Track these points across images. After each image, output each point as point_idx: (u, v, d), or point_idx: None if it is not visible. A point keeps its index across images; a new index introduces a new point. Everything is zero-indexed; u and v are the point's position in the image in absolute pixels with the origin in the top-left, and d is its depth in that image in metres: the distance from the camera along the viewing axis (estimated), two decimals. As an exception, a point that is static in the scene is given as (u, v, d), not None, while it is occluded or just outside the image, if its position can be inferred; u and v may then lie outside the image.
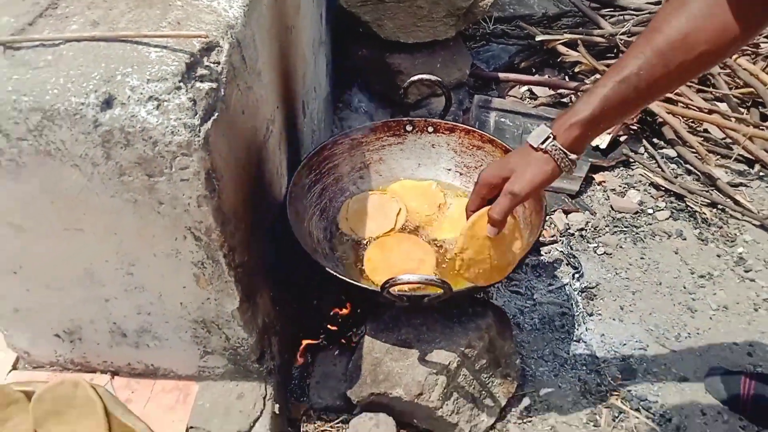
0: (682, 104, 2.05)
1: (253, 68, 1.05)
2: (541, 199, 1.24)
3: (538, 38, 2.31)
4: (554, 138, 0.92)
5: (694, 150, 1.98)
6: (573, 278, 1.65)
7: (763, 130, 1.98)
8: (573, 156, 0.92)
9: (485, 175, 1.00)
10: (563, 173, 0.94)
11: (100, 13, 0.93)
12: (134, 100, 0.82)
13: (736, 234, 1.78)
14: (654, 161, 2.00)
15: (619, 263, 1.70)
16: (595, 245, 1.75)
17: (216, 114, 0.88)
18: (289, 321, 1.36)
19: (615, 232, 1.79)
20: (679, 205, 1.87)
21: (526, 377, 1.41)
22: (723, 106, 2.10)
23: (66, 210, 0.93)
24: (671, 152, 2.03)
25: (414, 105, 2.04)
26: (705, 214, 1.82)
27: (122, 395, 1.16)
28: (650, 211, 1.86)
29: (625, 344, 1.49)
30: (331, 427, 1.30)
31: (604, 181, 1.94)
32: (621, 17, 2.42)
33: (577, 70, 2.28)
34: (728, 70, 2.16)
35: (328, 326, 1.39)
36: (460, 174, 1.52)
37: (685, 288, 1.63)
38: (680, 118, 2.06)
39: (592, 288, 1.63)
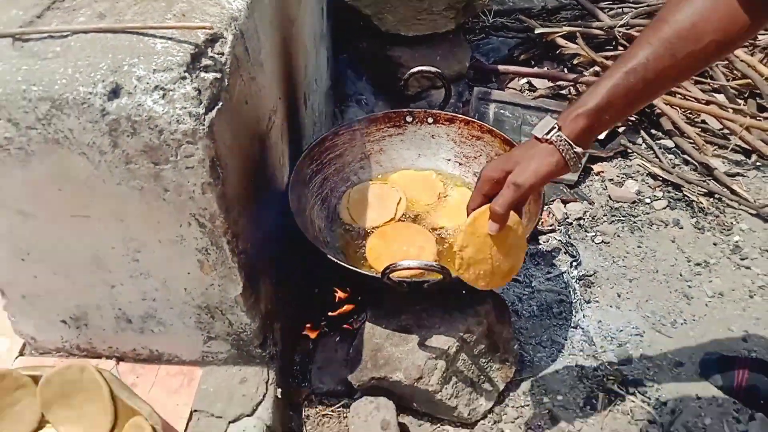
0: (679, 95, 2.07)
1: (256, 59, 1.07)
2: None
3: (537, 31, 2.33)
4: (559, 129, 0.89)
5: (691, 140, 1.99)
6: (571, 266, 1.67)
7: (759, 120, 2.00)
8: (578, 149, 0.89)
9: (487, 170, 0.95)
10: (569, 168, 0.90)
11: (107, 5, 0.95)
12: (141, 89, 0.85)
13: (732, 223, 1.80)
14: (652, 152, 2.02)
15: (616, 251, 1.72)
16: (593, 234, 1.77)
17: (220, 103, 0.90)
18: (292, 307, 1.38)
19: (613, 221, 1.81)
20: (676, 194, 1.89)
21: (524, 362, 1.43)
22: (720, 97, 2.11)
23: (73, 197, 0.95)
24: (669, 143, 2.05)
25: (414, 97, 2.06)
26: (702, 203, 1.84)
27: (127, 380, 1.18)
28: (648, 200, 1.87)
29: (621, 330, 1.51)
30: (332, 411, 1.32)
31: (602, 172, 1.96)
32: (620, 10, 2.44)
33: (575, 62, 2.29)
34: (726, 62, 2.17)
35: (330, 313, 1.41)
36: (460, 164, 1.54)
37: (681, 275, 1.65)
38: (678, 109, 2.07)
39: (590, 276, 1.65)
